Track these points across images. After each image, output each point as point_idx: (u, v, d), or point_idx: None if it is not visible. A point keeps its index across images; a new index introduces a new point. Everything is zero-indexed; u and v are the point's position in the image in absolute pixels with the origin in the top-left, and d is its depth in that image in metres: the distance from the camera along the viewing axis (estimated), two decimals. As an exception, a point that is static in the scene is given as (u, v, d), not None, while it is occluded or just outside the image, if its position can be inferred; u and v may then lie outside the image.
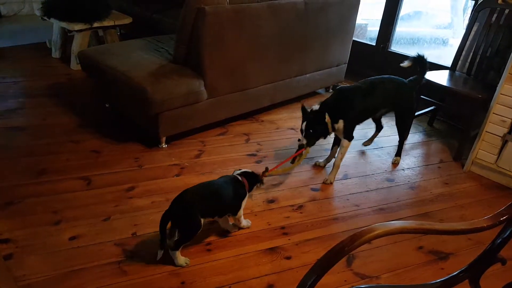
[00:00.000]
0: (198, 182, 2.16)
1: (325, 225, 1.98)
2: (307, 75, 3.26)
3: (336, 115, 2.23)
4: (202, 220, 1.64)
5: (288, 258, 1.75)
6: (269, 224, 1.95)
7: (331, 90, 3.70)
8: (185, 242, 1.66)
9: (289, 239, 1.86)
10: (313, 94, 3.58)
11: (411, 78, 2.54)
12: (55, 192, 2.05)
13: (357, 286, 1.05)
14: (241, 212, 1.82)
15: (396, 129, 2.59)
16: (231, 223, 1.87)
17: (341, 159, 2.34)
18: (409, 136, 2.82)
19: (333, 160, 2.40)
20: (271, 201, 2.13)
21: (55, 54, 3.96)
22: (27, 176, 2.15)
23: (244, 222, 1.89)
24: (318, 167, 2.49)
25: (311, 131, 2.19)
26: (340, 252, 0.93)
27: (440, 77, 2.81)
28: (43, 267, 1.60)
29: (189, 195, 1.65)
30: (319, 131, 2.22)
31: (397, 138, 2.90)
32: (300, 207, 2.10)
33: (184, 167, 2.36)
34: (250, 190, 1.84)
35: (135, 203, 2.01)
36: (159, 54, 2.75)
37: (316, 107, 2.22)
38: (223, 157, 2.49)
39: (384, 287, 1.05)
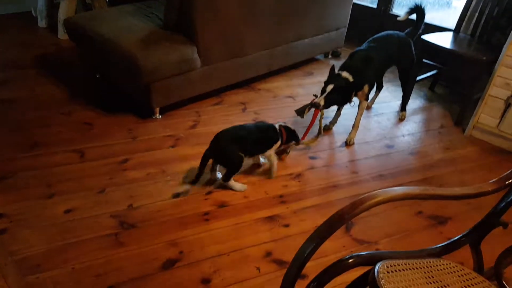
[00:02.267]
0: (193, 154, 2.17)
1: (323, 192, 1.96)
2: (306, 40, 3.14)
3: (362, 80, 2.19)
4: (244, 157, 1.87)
5: (286, 226, 1.74)
6: (267, 193, 1.92)
7: (330, 56, 3.59)
8: (233, 173, 1.89)
9: (287, 208, 1.84)
10: (312, 60, 3.47)
11: (407, 30, 2.56)
12: (48, 165, 2.01)
13: (356, 253, 1.03)
14: (271, 151, 2.00)
15: (393, 94, 2.54)
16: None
17: (360, 118, 2.35)
18: (410, 101, 2.76)
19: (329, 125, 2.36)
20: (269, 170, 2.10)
21: (42, 23, 3.79)
22: (19, 150, 2.10)
23: (275, 164, 2.03)
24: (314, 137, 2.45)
25: (334, 96, 2.11)
26: (340, 219, 0.90)
27: (442, 39, 2.70)
28: (38, 240, 1.58)
29: (225, 136, 1.88)
30: (342, 99, 2.18)
31: (397, 103, 2.85)
32: (298, 175, 2.07)
33: (179, 138, 2.31)
34: (286, 142, 2.06)
35: (130, 175, 1.98)
36: (149, 20, 2.63)
37: (345, 73, 2.14)
38: (218, 127, 2.40)
39: (383, 253, 1.03)
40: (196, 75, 2.52)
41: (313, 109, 2.14)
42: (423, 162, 2.25)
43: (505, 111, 2.40)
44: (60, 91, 2.72)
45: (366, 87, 2.24)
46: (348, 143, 2.36)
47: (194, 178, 1.92)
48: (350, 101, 2.20)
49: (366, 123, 2.58)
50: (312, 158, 2.22)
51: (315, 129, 2.31)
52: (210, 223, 1.72)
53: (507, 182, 1.08)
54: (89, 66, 3.03)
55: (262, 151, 1.99)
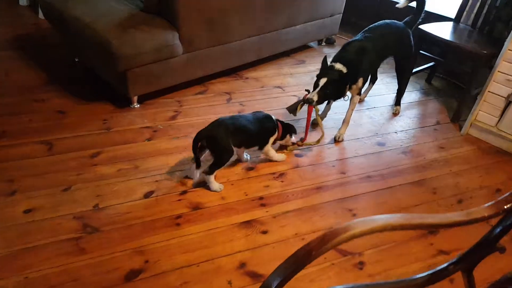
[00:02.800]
0: (171, 148, 2.00)
1: (306, 194, 1.80)
2: (297, 26, 2.92)
3: (356, 74, 2.01)
4: (235, 148, 1.75)
5: (264, 232, 1.59)
6: (246, 195, 1.76)
7: (323, 44, 3.38)
8: (218, 167, 1.73)
9: (266, 211, 1.69)
10: (304, 47, 3.26)
11: (406, 19, 2.36)
12: (12, 158, 1.84)
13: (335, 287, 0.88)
14: (269, 147, 1.92)
15: (388, 87, 2.35)
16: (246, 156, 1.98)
17: (351, 114, 2.19)
18: (405, 94, 2.57)
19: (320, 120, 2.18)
20: (250, 168, 1.93)
21: (23, 1, 3.54)
22: (-17, 140, 1.94)
23: (276, 156, 1.96)
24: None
25: (328, 91, 1.94)
26: (308, 256, 0.74)
27: (441, 30, 2.50)
28: (-9, 245, 1.44)
29: (226, 124, 1.74)
30: (336, 93, 2.00)
31: (391, 97, 2.67)
32: (282, 175, 1.91)
33: (157, 130, 2.13)
34: (281, 138, 1.98)
35: (100, 171, 1.81)
36: (129, 1, 2.41)
37: (338, 65, 1.96)
38: (201, 118, 2.26)
39: (362, 287, 0.88)
40: (178, 62, 2.32)
41: (306, 106, 1.98)
42: (415, 162, 2.09)
43: (505, 109, 2.23)
44: (36, 76, 2.52)
45: (360, 80, 2.05)
46: (337, 140, 2.19)
47: (195, 164, 1.74)
48: (344, 95, 2.02)
49: (357, 118, 2.41)
50: (297, 156, 2.06)
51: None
52: (182, 228, 1.57)
53: (505, 207, 0.92)
54: (68, 49, 2.82)
55: (259, 144, 1.89)
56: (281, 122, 1.97)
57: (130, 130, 2.11)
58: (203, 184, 1.77)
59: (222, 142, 1.70)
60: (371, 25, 2.23)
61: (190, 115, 2.28)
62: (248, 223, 1.62)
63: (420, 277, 0.97)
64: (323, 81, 1.93)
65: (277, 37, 2.84)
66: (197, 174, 1.77)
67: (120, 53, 2.03)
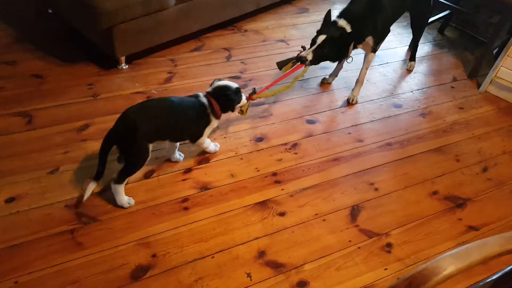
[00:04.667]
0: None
1: (324, 167, 1.59)
2: (301, -31, 2.51)
3: (362, 31, 1.69)
4: (151, 146, 1.31)
5: (282, 214, 1.39)
6: (258, 170, 1.53)
7: (327, -11, 2.96)
8: (130, 173, 1.32)
9: (282, 189, 1.47)
10: (306, -7, 2.85)
11: None
12: (-15, 135, 1.55)
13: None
14: (204, 139, 1.48)
15: (399, 39, 2.06)
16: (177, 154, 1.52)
17: (365, 73, 1.90)
18: (418, 48, 2.28)
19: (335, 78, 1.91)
20: (260, 139, 1.68)
21: None
22: None
23: (211, 147, 1.55)
24: (314, 88, 1.99)
25: (325, 50, 1.63)
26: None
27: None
28: (-30, 245, 1.19)
29: (133, 113, 1.28)
30: (335, 54, 1.70)
31: (403, 50, 2.38)
32: (295, 145, 1.67)
33: (151, 95, 1.82)
34: (224, 111, 1.46)
35: (91, 147, 1.53)
36: None
37: (342, 22, 1.64)
38: (199, 81, 1.94)
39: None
40: (170, 15, 1.93)
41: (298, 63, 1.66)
42: (435, 125, 1.87)
43: (529, 65, 1.99)
44: (4, 33, 2.10)
45: (369, 39, 1.74)
46: (350, 102, 1.93)
47: (95, 175, 1.29)
48: (346, 56, 1.72)
49: (370, 76, 2.12)
50: (309, 122, 1.80)
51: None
52: (190, 212, 1.35)
53: None
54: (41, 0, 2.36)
55: (191, 138, 1.45)
56: (217, 92, 1.43)
57: (120, 96, 1.79)
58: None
59: (135, 141, 1.26)
60: None
61: (187, 76, 1.96)
62: (263, 204, 1.41)
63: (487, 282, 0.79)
64: (321, 38, 1.62)
65: (278, -18, 2.43)
66: (91, 188, 1.28)
67: (102, 8, 1.65)
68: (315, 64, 1.69)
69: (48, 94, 1.75)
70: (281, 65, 1.71)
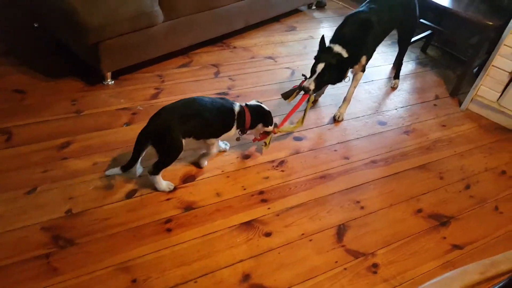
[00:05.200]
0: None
1: (310, 185, 1.55)
2: (288, -12, 2.53)
3: (358, 52, 1.71)
4: (183, 141, 1.36)
5: (268, 234, 1.34)
6: (244, 189, 1.49)
7: (314, 7, 2.98)
8: (165, 165, 1.38)
9: (268, 208, 1.43)
10: (295, 12, 2.85)
11: None
12: (-38, 152, 1.47)
13: None
14: (216, 141, 1.50)
15: (384, 57, 2.08)
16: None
17: (353, 91, 1.91)
18: (402, 66, 2.30)
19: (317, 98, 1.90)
20: (247, 156, 1.64)
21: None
22: None
23: (214, 151, 1.54)
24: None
25: (325, 77, 1.66)
26: None
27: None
28: None
29: (168, 112, 1.35)
30: (334, 79, 1.71)
31: (387, 68, 2.40)
32: (281, 163, 1.64)
33: (137, 112, 1.77)
34: (252, 126, 1.52)
35: (71, 166, 1.47)
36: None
37: (337, 48, 1.65)
38: (187, 96, 1.88)
39: None
40: (158, 31, 1.90)
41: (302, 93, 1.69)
42: (419, 143, 1.87)
43: (507, 85, 2.01)
44: (-15, 45, 2.04)
45: (363, 59, 1.75)
46: (337, 119, 1.92)
47: (125, 164, 1.35)
48: (344, 78, 1.73)
49: (355, 93, 2.08)
50: (296, 139, 1.78)
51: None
52: (173, 234, 1.29)
53: None
54: (24, 12, 2.30)
55: (210, 136, 1.47)
56: (254, 108, 1.52)
57: (104, 112, 1.74)
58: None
59: (171, 136, 1.32)
60: None
61: (175, 92, 1.92)
62: (249, 224, 1.36)
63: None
64: (320, 67, 1.64)
65: (266, 1, 2.43)
66: (115, 172, 1.38)
67: (88, 24, 1.61)
68: (317, 91, 1.74)
69: (30, 110, 1.69)
70: (286, 96, 1.77)
